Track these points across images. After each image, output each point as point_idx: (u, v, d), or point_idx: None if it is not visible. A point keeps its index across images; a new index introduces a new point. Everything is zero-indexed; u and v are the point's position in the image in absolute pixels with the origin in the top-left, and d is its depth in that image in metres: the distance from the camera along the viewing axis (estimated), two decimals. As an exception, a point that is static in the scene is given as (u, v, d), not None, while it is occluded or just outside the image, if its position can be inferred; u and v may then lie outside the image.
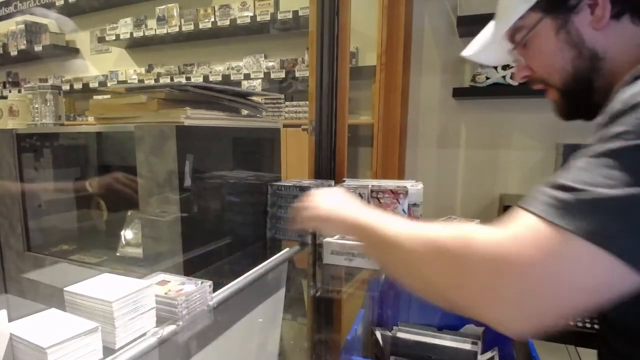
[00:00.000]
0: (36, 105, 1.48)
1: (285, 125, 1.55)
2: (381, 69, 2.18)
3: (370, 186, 1.31)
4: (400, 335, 0.95)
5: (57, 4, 3.64)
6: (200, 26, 3.04)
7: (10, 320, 0.57)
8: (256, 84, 2.96)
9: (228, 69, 3.15)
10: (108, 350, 0.62)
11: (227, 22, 2.93)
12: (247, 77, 3.01)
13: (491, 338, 0.91)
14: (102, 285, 0.68)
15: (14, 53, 3.92)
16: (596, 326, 0.67)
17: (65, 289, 0.66)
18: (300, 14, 2.68)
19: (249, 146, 1.39)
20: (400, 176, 2.39)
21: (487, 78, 2.15)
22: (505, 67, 2.11)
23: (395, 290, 1.07)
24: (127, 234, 1.33)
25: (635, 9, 0.58)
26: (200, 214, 1.12)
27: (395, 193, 1.27)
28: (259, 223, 1.37)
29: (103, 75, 3.71)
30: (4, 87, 4.31)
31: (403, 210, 1.27)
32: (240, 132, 1.30)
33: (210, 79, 3.13)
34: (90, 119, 1.28)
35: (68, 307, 0.66)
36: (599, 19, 0.59)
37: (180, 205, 1.04)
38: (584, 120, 0.68)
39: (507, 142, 2.33)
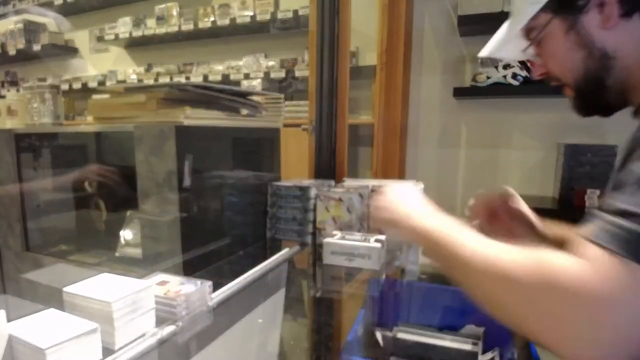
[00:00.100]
0: (35, 105, 1.47)
1: (285, 125, 1.54)
2: (381, 68, 2.18)
3: (370, 186, 1.30)
4: (401, 335, 0.94)
5: (55, 3, 3.63)
6: (200, 25, 3.03)
7: (9, 320, 0.57)
8: (256, 84, 2.95)
9: (228, 68, 3.14)
10: (107, 351, 0.61)
11: (227, 22, 2.93)
12: (246, 76, 3.00)
13: (492, 338, 0.91)
14: (102, 286, 0.68)
15: (12, 52, 3.91)
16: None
17: (64, 289, 0.66)
18: (301, 13, 2.68)
19: (248, 146, 1.39)
20: (401, 176, 2.39)
21: (488, 78, 2.15)
22: (505, 67, 2.11)
23: (395, 291, 1.07)
24: (127, 234, 1.33)
25: None
26: (200, 214, 1.12)
27: (395, 193, 1.27)
28: (258, 223, 1.37)
29: (102, 75, 3.70)
30: (2, 86, 4.30)
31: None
32: (240, 132, 1.30)
33: (210, 78, 3.12)
34: (90, 118, 1.27)
35: (67, 308, 0.66)
36: (608, 18, 0.59)
37: (179, 205, 1.04)
38: (601, 116, 0.69)
39: (508, 141, 2.33)
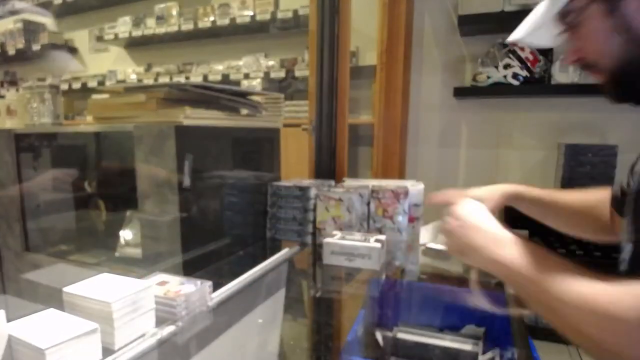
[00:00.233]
0: (34, 105, 1.47)
1: (285, 125, 1.54)
2: (381, 68, 2.18)
3: (370, 186, 1.30)
4: (401, 335, 0.94)
5: (55, 2, 3.62)
6: (200, 25, 3.03)
7: (8, 320, 0.57)
8: (256, 84, 2.95)
9: (227, 68, 3.14)
10: (107, 351, 0.61)
11: (227, 21, 2.93)
12: (246, 76, 3.00)
13: (492, 338, 0.91)
14: (101, 286, 0.68)
15: (11, 52, 3.91)
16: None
17: (64, 289, 0.66)
18: (300, 12, 2.67)
19: (248, 146, 1.39)
20: (401, 176, 2.39)
21: (488, 77, 2.15)
22: (506, 67, 2.11)
23: (395, 291, 1.07)
24: (126, 234, 1.33)
25: None
26: (200, 214, 1.12)
27: (395, 193, 1.27)
28: (258, 223, 1.36)
29: (102, 75, 3.70)
30: (2, 86, 4.29)
31: (404, 210, 1.27)
32: (239, 131, 1.30)
33: (210, 78, 3.12)
34: (89, 118, 1.27)
35: (67, 308, 0.65)
36: None
37: (179, 205, 1.04)
38: (634, 104, 0.67)
39: (508, 141, 2.33)
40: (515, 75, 2.11)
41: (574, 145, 2.03)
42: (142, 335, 0.67)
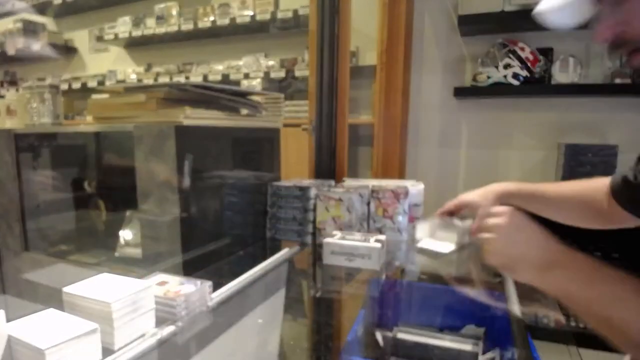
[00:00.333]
0: (34, 105, 1.47)
1: (285, 125, 1.54)
2: (381, 68, 2.18)
3: (370, 186, 1.30)
4: (401, 336, 0.94)
5: (55, 2, 3.62)
6: (200, 25, 3.03)
7: (8, 320, 0.57)
8: (256, 83, 2.95)
9: (227, 68, 3.14)
10: (107, 351, 0.61)
11: (227, 21, 2.93)
12: (246, 76, 3.00)
13: (492, 338, 0.91)
14: (101, 286, 0.68)
15: (11, 52, 3.90)
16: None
17: (64, 289, 0.66)
18: (300, 12, 2.67)
19: (248, 146, 1.39)
20: (401, 176, 2.39)
21: (488, 77, 2.15)
22: (506, 67, 2.11)
23: (395, 291, 1.07)
24: (126, 234, 1.32)
25: None
26: (200, 214, 1.12)
27: (395, 193, 1.27)
28: (258, 223, 1.36)
29: (102, 75, 3.70)
30: (2, 86, 4.29)
31: (404, 210, 1.27)
32: (239, 131, 1.30)
33: (210, 78, 3.12)
34: (89, 118, 1.27)
35: (67, 308, 0.65)
36: None
37: (179, 205, 1.03)
38: None
39: (508, 141, 2.33)
40: (515, 75, 2.11)
41: (574, 145, 2.03)
42: (142, 336, 0.67)
